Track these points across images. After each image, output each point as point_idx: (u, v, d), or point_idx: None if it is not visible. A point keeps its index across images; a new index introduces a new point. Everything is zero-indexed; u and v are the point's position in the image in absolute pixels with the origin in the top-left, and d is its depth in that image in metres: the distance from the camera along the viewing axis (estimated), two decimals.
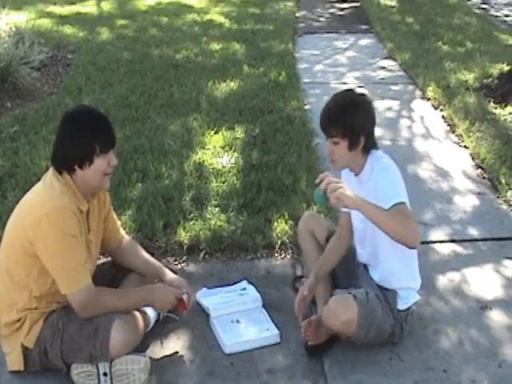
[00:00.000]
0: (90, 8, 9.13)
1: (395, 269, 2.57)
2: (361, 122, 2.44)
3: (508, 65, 6.03)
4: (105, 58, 6.55)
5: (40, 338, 2.38)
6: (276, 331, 2.69)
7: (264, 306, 2.86)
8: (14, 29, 6.32)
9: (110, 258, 2.80)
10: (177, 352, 2.62)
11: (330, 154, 2.49)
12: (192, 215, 3.56)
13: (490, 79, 5.89)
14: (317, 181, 2.31)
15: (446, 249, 3.37)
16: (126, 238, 2.80)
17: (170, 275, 2.71)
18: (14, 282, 2.37)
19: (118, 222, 2.77)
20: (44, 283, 2.35)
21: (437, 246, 3.38)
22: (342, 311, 2.45)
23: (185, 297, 2.62)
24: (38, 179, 2.49)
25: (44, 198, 2.34)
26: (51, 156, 2.41)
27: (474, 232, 3.53)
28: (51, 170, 2.40)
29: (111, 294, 2.48)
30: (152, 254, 2.90)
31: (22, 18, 7.62)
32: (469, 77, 5.99)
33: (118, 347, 2.37)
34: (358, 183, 2.55)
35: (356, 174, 2.56)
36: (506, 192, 3.87)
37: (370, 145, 2.50)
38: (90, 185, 2.40)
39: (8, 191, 3.75)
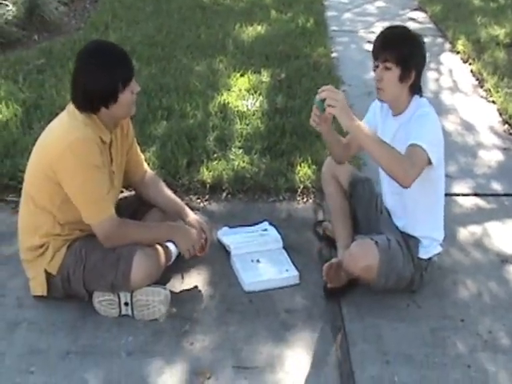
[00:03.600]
0: None
1: (420, 217, 2.56)
2: (416, 56, 2.40)
3: None
4: None
5: (63, 265, 2.41)
6: (296, 272, 2.71)
7: (284, 248, 2.87)
8: None
9: (133, 192, 2.81)
10: (196, 286, 2.66)
11: (378, 80, 2.41)
12: (215, 155, 3.56)
13: None
14: (319, 91, 2.27)
15: (469, 202, 3.35)
16: (150, 172, 2.79)
17: (191, 216, 2.69)
18: (38, 207, 2.39)
19: (142, 156, 2.76)
20: (67, 211, 2.36)
21: (459, 199, 3.36)
22: (363, 256, 2.44)
23: (202, 241, 2.63)
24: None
25: (67, 128, 2.33)
26: (71, 96, 2.35)
27: (497, 187, 3.50)
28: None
29: (135, 225, 2.50)
30: (175, 191, 2.91)
31: None
32: (500, 32, 5.84)
33: (139, 278, 2.40)
34: (395, 123, 2.50)
35: (395, 114, 2.51)
36: None
37: (418, 85, 2.45)
38: (116, 117, 2.38)
39: (34, 122, 3.77)
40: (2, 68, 4.57)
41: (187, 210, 2.72)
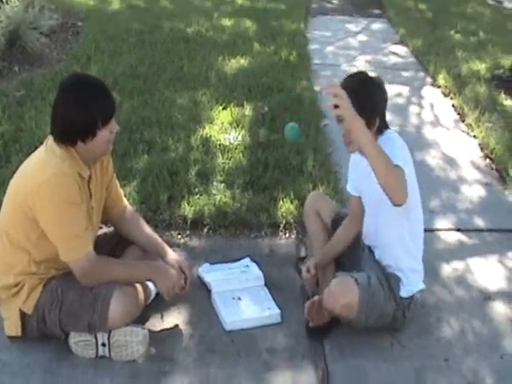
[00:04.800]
0: None
1: (394, 244, 2.53)
2: (377, 102, 2.42)
3: None
4: (115, 28, 6.48)
5: (38, 305, 2.35)
6: (277, 310, 2.67)
7: (266, 285, 2.83)
8: None
9: (112, 228, 2.76)
10: (177, 325, 2.60)
11: (345, 134, 2.43)
12: (197, 190, 3.52)
13: (502, 70, 5.84)
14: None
15: (452, 237, 3.34)
16: (130, 208, 2.75)
17: (171, 255, 2.63)
18: (13, 245, 2.33)
19: (122, 191, 2.72)
20: (43, 248, 2.31)
21: (442, 234, 3.35)
22: (342, 294, 2.42)
23: (182, 281, 2.57)
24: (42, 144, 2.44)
25: (45, 163, 2.28)
26: (51, 129, 2.32)
27: (479, 222, 3.50)
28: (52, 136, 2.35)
29: (114, 263, 2.44)
30: (155, 227, 2.88)
31: None
32: (480, 67, 5.94)
33: (117, 318, 2.34)
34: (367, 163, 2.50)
35: None
36: None
37: (384, 125, 2.47)
38: (93, 154, 2.34)
39: (12, 155, 3.71)
40: None
41: (167, 248, 2.67)
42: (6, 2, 5.68)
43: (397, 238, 2.52)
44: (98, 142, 2.29)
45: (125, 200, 2.73)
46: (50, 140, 2.34)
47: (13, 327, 2.40)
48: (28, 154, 2.44)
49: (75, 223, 2.28)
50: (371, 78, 2.48)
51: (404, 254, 2.55)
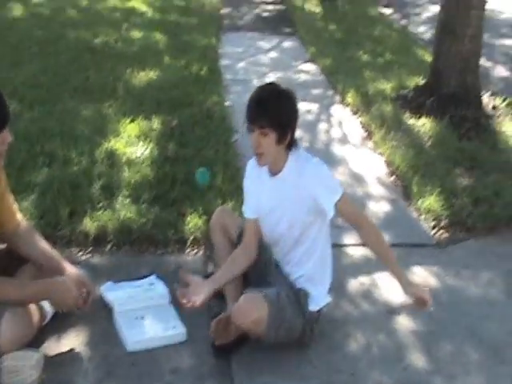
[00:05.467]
0: None
1: (316, 266, 2.56)
2: (291, 116, 2.41)
3: (423, 78, 6.21)
4: (16, 35, 6.22)
5: None
6: (182, 329, 2.58)
7: (172, 303, 2.73)
8: None
9: (4, 245, 2.58)
10: (73, 349, 2.46)
11: (257, 146, 2.41)
12: (100, 205, 3.39)
13: (407, 90, 6.04)
14: None
15: (358, 252, 3.37)
16: (24, 224, 2.58)
17: (70, 270, 2.51)
18: None
19: (15, 206, 2.56)
20: None
21: (349, 250, 3.38)
22: (251, 310, 2.39)
23: (84, 294, 2.45)
24: None
25: None
26: None
27: (385, 237, 3.54)
28: None
29: (5, 283, 2.28)
30: (54, 243, 2.73)
31: None
32: (386, 86, 6.12)
33: (8, 342, 2.21)
34: (274, 182, 2.51)
35: (273, 174, 2.50)
36: (418, 200, 3.94)
37: (293, 141, 2.46)
38: None
39: None
40: None
41: (65, 263, 2.53)
42: None
43: (319, 259, 2.56)
44: None
45: (19, 215, 2.57)
46: None
47: None
48: None
49: None
50: (286, 92, 2.44)
51: (322, 274, 2.60)
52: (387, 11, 10.47)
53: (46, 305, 2.45)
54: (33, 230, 2.61)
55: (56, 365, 2.34)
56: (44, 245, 2.56)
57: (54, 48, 6.00)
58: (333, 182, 2.52)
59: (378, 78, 6.40)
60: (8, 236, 2.51)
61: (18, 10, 7.26)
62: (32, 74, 5.19)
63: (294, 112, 2.45)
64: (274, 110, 2.36)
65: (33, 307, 2.34)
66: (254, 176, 2.61)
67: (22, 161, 3.61)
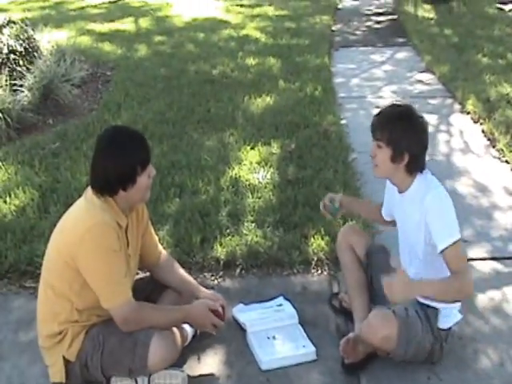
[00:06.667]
0: (128, 25, 9.30)
1: None
2: (408, 139, 2.41)
3: None
4: (142, 75, 6.66)
5: (81, 351, 2.42)
6: (312, 348, 2.68)
7: (300, 323, 2.84)
8: (55, 46, 6.47)
9: (147, 273, 2.84)
10: (213, 367, 2.63)
11: (372, 155, 2.49)
12: (228, 231, 3.58)
13: None
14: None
15: (487, 266, 3.30)
16: (164, 253, 2.83)
17: (204, 292, 2.74)
18: (57, 295, 2.42)
19: (156, 238, 2.80)
20: (85, 297, 2.39)
21: (477, 264, 3.32)
22: (381, 326, 2.43)
23: (220, 309, 2.64)
24: (79, 194, 2.53)
25: (85, 214, 2.38)
26: (90, 181, 2.42)
27: None
28: (91, 188, 2.44)
29: (153, 309, 2.51)
30: (189, 269, 2.94)
31: (62, 36, 7.82)
32: (509, 90, 5.88)
33: (157, 362, 2.40)
34: (401, 200, 2.54)
35: (400, 191, 2.54)
36: None
37: (416, 166, 2.46)
38: (132, 201, 2.44)
39: (50, 206, 3.84)
40: (18, 153, 4.69)
41: (200, 287, 2.77)
42: (39, 57, 5.91)
43: (436, 275, 2.51)
44: (138, 189, 2.39)
45: (159, 246, 2.82)
46: (88, 192, 2.44)
47: (57, 374, 2.47)
48: (65, 204, 2.55)
49: (115, 271, 2.36)
50: (410, 115, 2.48)
51: None
52: (506, 7, 10.01)
53: (187, 327, 2.66)
54: (171, 259, 2.85)
55: (198, 382, 2.52)
56: (182, 272, 2.79)
57: (176, 83, 6.36)
58: (452, 221, 2.39)
59: (499, 82, 6.17)
60: (151, 266, 2.77)
61: (142, 51, 7.78)
62: (159, 110, 5.56)
63: (416, 139, 2.43)
64: (391, 126, 2.42)
65: (176, 330, 2.53)
66: (390, 186, 2.67)
67: (156, 193, 3.89)
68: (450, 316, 2.56)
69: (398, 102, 2.58)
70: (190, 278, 2.80)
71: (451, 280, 2.34)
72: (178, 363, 2.52)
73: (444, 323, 2.54)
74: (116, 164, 2.34)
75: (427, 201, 2.40)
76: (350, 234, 2.90)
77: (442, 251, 2.34)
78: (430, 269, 2.49)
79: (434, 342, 2.51)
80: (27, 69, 5.63)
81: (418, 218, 2.43)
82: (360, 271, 2.80)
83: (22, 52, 5.80)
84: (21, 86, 5.40)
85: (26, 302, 3.08)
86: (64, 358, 2.43)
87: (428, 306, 2.54)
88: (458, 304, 2.60)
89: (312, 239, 3.46)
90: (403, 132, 2.41)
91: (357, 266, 2.81)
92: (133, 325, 2.40)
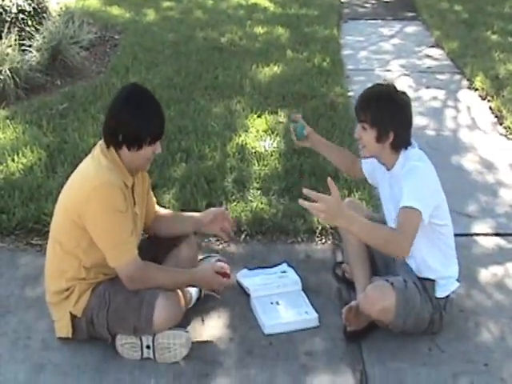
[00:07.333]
0: None
1: (429, 260, 2.57)
2: (392, 117, 2.44)
3: None
4: (151, 39, 6.60)
5: (87, 308, 2.46)
6: (315, 314, 2.71)
7: (303, 290, 2.88)
8: (63, 8, 6.42)
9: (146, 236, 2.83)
10: (217, 329, 2.67)
11: (358, 138, 2.53)
12: (234, 197, 3.60)
13: None
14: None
15: (490, 242, 3.33)
16: (159, 208, 2.86)
17: (205, 218, 2.80)
18: (65, 252, 2.44)
19: (154, 199, 2.82)
20: (93, 254, 2.41)
21: (480, 239, 3.34)
22: (379, 299, 2.46)
23: (226, 267, 2.66)
24: (86, 155, 2.54)
25: (92, 173, 2.39)
26: (102, 127, 2.44)
27: None
28: (98, 146, 2.45)
29: (158, 269, 2.53)
30: (194, 234, 2.95)
31: None
32: None
33: (161, 322, 2.43)
34: (388, 177, 2.59)
35: (388, 169, 2.58)
36: None
37: (401, 143, 2.49)
38: (133, 164, 2.45)
39: (58, 166, 3.85)
40: (26, 113, 4.68)
41: (199, 215, 2.84)
42: (48, 18, 5.86)
43: (432, 256, 2.56)
44: (140, 156, 2.41)
45: (157, 206, 2.84)
46: (96, 151, 2.45)
47: (64, 329, 2.52)
48: (72, 165, 2.55)
49: (122, 230, 2.38)
50: (392, 94, 2.48)
51: (439, 265, 2.59)
52: None
53: (191, 289, 2.69)
54: (164, 210, 2.90)
55: (201, 344, 2.56)
56: (176, 213, 2.92)
57: (185, 49, 6.32)
58: (425, 194, 2.39)
59: (509, 59, 6.13)
60: (149, 223, 2.75)
61: (151, 16, 7.70)
62: (166, 76, 5.53)
63: (400, 116, 2.46)
64: (374, 108, 2.44)
65: (180, 292, 2.55)
66: (376, 164, 2.67)
67: (163, 157, 3.90)
68: (446, 285, 2.58)
69: (379, 82, 2.56)
70: (189, 214, 2.89)
71: (387, 230, 2.39)
72: (182, 324, 2.56)
73: (441, 292, 2.57)
74: (131, 123, 2.36)
75: (403, 172, 2.45)
76: (350, 207, 2.90)
77: (401, 208, 2.34)
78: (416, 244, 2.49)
79: (433, 311, 2.55)
80: (36, 29, 5.61)
81: (400, 196, 2.43)
82: (361, 243, 2.81)
83: (30, 12, 5.76)
84: (29, 46, 5.38)
85: (33, 258, 3.11)
86: (70, 313, 2.47)
87: (425, 278, 2.57)
88: (456, 272, 2.62)
89: None
90: (385, 111, 2.43)
91: (357, 238, 2.83)
92: (138, 283, 2.43)
